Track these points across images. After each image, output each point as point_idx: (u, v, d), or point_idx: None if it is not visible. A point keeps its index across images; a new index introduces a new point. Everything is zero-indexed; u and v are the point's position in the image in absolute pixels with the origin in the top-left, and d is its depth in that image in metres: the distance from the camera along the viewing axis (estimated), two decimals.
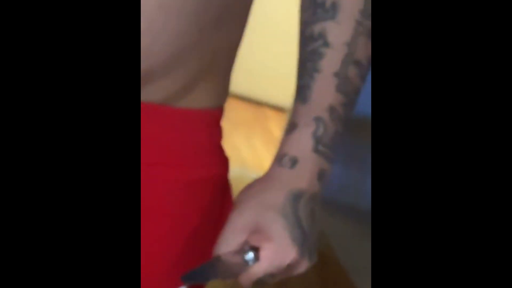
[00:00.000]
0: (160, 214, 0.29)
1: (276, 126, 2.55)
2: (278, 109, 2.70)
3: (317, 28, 0.30)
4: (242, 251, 0.27)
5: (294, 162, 0.29)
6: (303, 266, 0.29)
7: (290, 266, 0.28)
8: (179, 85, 0.29)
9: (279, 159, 0.30)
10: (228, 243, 0.28)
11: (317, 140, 0.29)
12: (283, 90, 2.27)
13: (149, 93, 0.27)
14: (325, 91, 0.30)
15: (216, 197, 0.32)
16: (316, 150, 0.29)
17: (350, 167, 1.92)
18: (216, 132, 0.34)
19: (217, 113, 0.33)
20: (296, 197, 0.28)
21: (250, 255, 0.27)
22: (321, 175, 0.30)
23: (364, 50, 0.31)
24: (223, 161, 0.34)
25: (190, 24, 0.27)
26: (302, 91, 0.30)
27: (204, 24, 0.28)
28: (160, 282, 0.29)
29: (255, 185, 0.30)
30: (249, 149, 2.45)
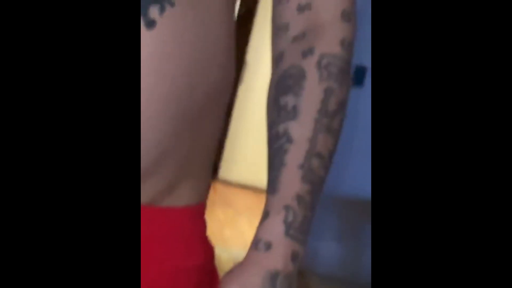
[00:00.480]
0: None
1: None
2: None
3: (281, 127, 0.34)
4: None
5: (268, 246, 0.31)
6: None
7: None
8: (160, 188, 0.32)
9: (255, 244, 0.32)
10: None
11: (288, 225, 0.32)
12: None
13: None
14: (292, 182, 0.33)
15: (204, 283, 0.35)
16: (287, 234, 0.32)
17: (347, 244, 2.23)
18: (200, 224, 0.37)
19: (200, 207, 0.36)
20: (273, 276, 0.31)
21: None
22: (294, 256, 0.32)
23: (324, 144, 0.34)
24: (208, 250, 0.37)
25: (167, 131, 0.30)
26: (272, 184, 0.34)
27: (180, 130, 0.31)
28: None
29: (236, 269, 0.33)
30: (252, 232, 1.71)
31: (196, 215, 0.36)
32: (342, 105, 0.37)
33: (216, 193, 3.58)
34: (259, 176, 3.38)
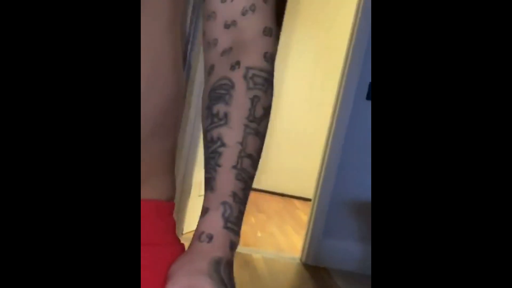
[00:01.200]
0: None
1: (303, 213, 3.13)
2: (303, 199, 3.56)
3: (215, 133, 0.37)
4: None
5: (210, 237, 0.35)
6: None
7: None
8: None
9: (198, 236, 0.35)
10: None
11: (226, 219, 0.35)
12: (307, 184, 3.14)
13: None
14: (227, 181, 0.36)
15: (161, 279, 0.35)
16: (226, 227, 0.35)
17: (367, 243, 2.31)
18: (168, 223, 0.40)
19: (163, 204, 0.39)
20: (216, 263, 0.34)
21: None
22: (232, 245, 0.36)
23: (253, 146, 0.37)
24: (180, 246, 0.40)
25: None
26: (209, 183, 0.37)
27: (143, 136, 0.33)
28: None
29: (182, 259, 0.35)
30: (282, 235, 2.80)
31: (159, 210, 0.38)
32: (267, 111, 0.39)
33: (249, 200, 3.85)
34: (285, 184, 3.86)
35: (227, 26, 0.39)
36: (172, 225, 0.41)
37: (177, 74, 0.38)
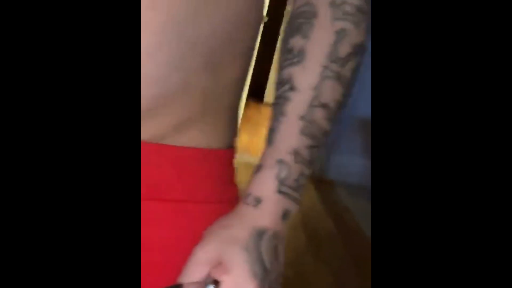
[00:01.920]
0: (181, 233, 0.30)
1: None
2: None
3: (285, 73, 0.30)
4: (203, 283, 0.27)
5: (258, 201, 0.29)
6: None
7: None
8: (167, 126, 0.29)
9: (245, 198, 0.30)
10: (191, 275, 0.28)
11: (280, 182, 0.29)
12: None
13: (153, 135, 0.28)
14: (290, 134, 0.29)
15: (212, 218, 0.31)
16: (279, 191, 0.29)
17: (369, 157, 2.42)
18: (226, 170, 0.34)
19: (224, 152, 0.33)
20: (259, 233, 0.28)
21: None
22: (285, 215, 0.29)
23: (331, 93, 0.30)
24: (236, 192, 0.34)
25: (175, 69, 0.27)
26: (270, 134, 0.30)
27: (190, 69, 0.28)
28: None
29: (223, 221, 0.30)
30: None
31: (218, 158, 0.33)
32: (356, 50, 0.31)
33: (261, 114, 4.13)
34: None
35: None
36: (232, 177, 0.35)
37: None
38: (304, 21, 0.31)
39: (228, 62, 0.31)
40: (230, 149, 0.34)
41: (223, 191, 0.33)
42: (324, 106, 0.30)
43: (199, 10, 0.27)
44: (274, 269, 0.28)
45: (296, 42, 0.31)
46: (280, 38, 0.34)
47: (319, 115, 0.30)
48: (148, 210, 0.28)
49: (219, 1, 0.28)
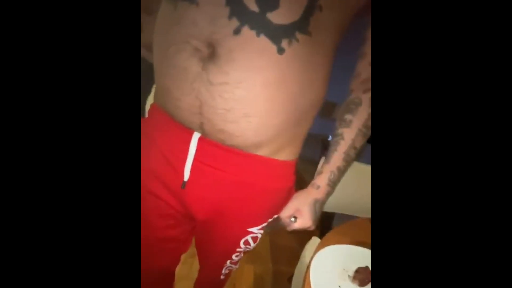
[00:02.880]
0: (269, 194, 0.62)
1: None
2: None
3: (339, 131, 0.61)
4: (290, 216, 0.63)
5: (318, 187, 0.62)
6: (312, 228, 0.65)
7: (307, 227, 0.64)
8: (274, 148, 0.56)
9: (312, 185, 0.63)
10: (285, 213, 0.64)
11: (329, 180, 0.62)
12: None
13: (261, 151, 0.55)
14: (337, 159, 0.61)
15: (289, 194, 0.65)
16: (328, 184, 0.62)
17: None
18: (291, 170, 0.64)
19: (292, 162, 0.63)
20: (316, 201, 0.62)
21: (293, 219, 0.63)
22: (328, 194, 0.63)
23: (359, 142, 0.60)
24: (293, 181, 0.66)
25: (283, 120, 0.52)
26: (327, 157, 0.62)
27: (290, 121, 0.53)
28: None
29: (301, 193, 0.64)
30: None
31: (289, 165, 0.62)
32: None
33: None
34: None
35: (369, 63, 0.58)
36: (293, 173, 0.65)
37: (326, 82, 0.55)
38: (354, 106, 0.59)
39: (305, 120, 0.57)
40: (295, 160, 0.64)
41: (291, 179, 0.65)
42: (355, 148, 0.60)
43: (302, 93, 0.51)
44: (318, 216, 0.63)
45: (348, 116, 0.60)
46: (337, 117, 0.63)
47: (352, 152, 0.60)
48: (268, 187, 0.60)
49: (309, 91, 0.52)
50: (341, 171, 0.62)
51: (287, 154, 0.59)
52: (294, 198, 0.64)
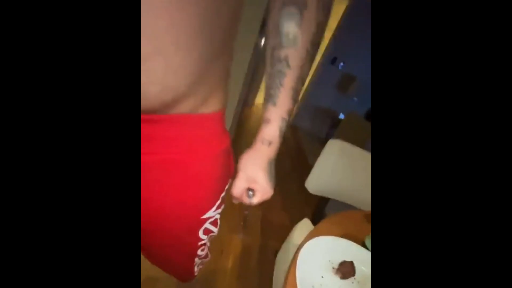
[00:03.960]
0: (206, 170, 0.45)
1: None
2: None
3: (282, 53, 0.40)
4: (247, 191, 0.51)
5: (269, 143, 0.47)
6: (271, 195, 0.51)
7: (267, 198, 0.51)
8: (197, 101, 0.39)
9: (261, 140, 0.47)
10: (238, 188, 0.51)
11: (281, 130, 0.46)
12: None
13: (179, 109, 0.37)
14: (286, 100, 0.44)
15: (229, 158, 0.50)
16: (280, 136, 0.47)
17: None
18: (221, 122, 0.46)
19: (222, 112, 0.46)
20: (270, 162, 0.49)
21: (251, 194, 0.51)
22: (278, 149, 0.49)
23: (308, 70, 0.43)
24: (228, 138, 0.49)
25: (200, 57, 0.34)
26: (273, 98, 0.44)
27: (208, 59, 0.35)
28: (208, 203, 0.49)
29: (249, 156, 0.49)
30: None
31: (219, 118, 0.46)
32: (323, 36, 0.41)
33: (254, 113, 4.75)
34: None
35: None
36: (224, 126, 0.49)
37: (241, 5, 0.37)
38: (296, 11, 0.38)
39: (227, 53, 0.40)
40: (224, 109, 0.47)
41: (226, 135, 0.49)
42: (303, 79, 0.43)
43: (218, 11, 0.33)
44: (274, 178, 0.50)
45: (290, 28, 0.39)
46: (271, 24, 0.41)
47: (300, 86, 0.43)
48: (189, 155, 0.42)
49: (227, 8, 0.34)
50: (290, 113, 0.46)
51: (215, 102, 0.42)
52: (244, 166, 0.49)
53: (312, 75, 4.11)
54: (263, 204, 1.99)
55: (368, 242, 0.67)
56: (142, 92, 0.32)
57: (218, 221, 0.54)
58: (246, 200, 0.51)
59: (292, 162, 2.91)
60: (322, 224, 0.71)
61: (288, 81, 0.42)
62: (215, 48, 0.35)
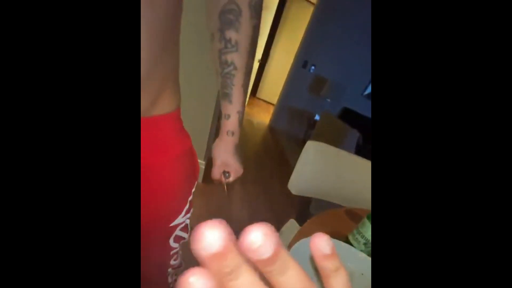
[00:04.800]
0: (168, 174, 0.45)
1: None
2: None
3: (229, 57, 0.47)
4: (223, 173, 0.64)
5: (232, 133, 0.57)
6: (242, 172, 0.63)
7: (239, 175, 0.63)
8: (147, 103, 0.38)
9: (225, 132, 0.57)
10: (216, 172, 0.62)
11: (239, 121, 0.56)
12: None
13: None
14: (239, 95, 0.52)
15: (192, 158, 0.52)
16: (239, 126, 0.56)
17: None
18: (179, 122, 0.47)
19: (176, 113, 0.46)
20: (236, 147, 0.59)
21: (227, 175, 0.63)
22: (239, 136, 0.58)
23: (251, 65, 0.50)
24: (188, 137, 0.51)
25: (146, 54, 0.33)
26: (228, 97, 0.52)
27: (150, 61, 0.35)
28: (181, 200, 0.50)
29: (219, 146, 0.59)
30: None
31: (175, 117, 0.46)
32: (259, 34, 0.49)
33: (255, 105, 5.69)
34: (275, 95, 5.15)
35: None
36: (182, 126, 0.50)
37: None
38: (233, 17, 0.44)
39: (173, 49, 0.41)
40: (179, 109, 0.48)
41: (186, 135, 0.51)
42: (249, 73, 0.51)
43: (159, 8, 0.34)
44: (240, 159, 0.60)
45: (232, 35, 0.45)
46: (213, 28, 0.47)
47: (247, 78, 0.51)
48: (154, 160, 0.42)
49: (167, 4, 0.35)
50: (244, 104, 0.55)
51: (167, 102, 0.43)
52: (217, 154, 0.61)
53: (286, 79, 4.18)
54: (249, 208, 1.99)
55: (352, 237, 0.68)
56: None
57: (189, 226, 0.54)
58: (223, 180, 0.63)
59: (274, 164, 2.93)
60: (308, 225, 0.72)
61: (238, 80, 0.50)
62: (155, 50, 0.35)
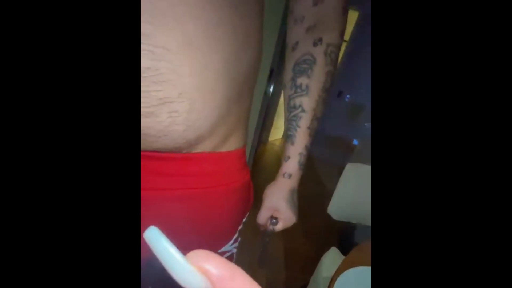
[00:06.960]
0: (226, 203, 0.43)
1: None
2: None
3: (297, 101, 0.47)
4: (270, 219, 0.53)
5: (290, 176, 0.51)
6: (294, 223, 0.53)
7: (291, 224, 0.53)
8: (219, 140, 0.38)
9: (282, 174, 0.51)
10: (262, 217, 0.53)
11: (300, 164, 0.50)
12: None
13: (201, 147, 0.36)
14: (303, 138, 0.49)
15: (249, 191, 0.48)
16: (299, 169, 0.50)
17: None
18: (243, 158, 0.46)
19: (242, 150, 0.46)
20: (292, 192, 0.51)
21: (274, 222, 0.53)
22: (298, 180, 0.52)
23: (321, 110, 0.48)
24: (248, 172, 0.48)
25: (222, 99, 0.34)
26: (291, 138, 0.49)
27: (231, 98, 0.35)
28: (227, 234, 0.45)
29: (272, 187, 0.52)
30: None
31: (241, 154, 0.46)
32: (333, 81, 0.47)
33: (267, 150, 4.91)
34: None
35: (315, 3, 0.42)
36: (245, 162, 0.49)
37: (260, 43, 0.39)
38: (307, 66, 0.44)
39: (248, 95, 0.40)
40: (245, 145, 0.48)
41: (247, 170, 0.48)
42: (317, 118, 0.48)
43: (239, 57, 0.34)
44: (297, 207, 0.52)
45: (303, 81, 0.45)
46: (286, 80, 0.48)
47: (315, 123, 0.48)
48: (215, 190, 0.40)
49: (247, 54, 0.35)
50: (309, 149, 0.50)
51: (236, 141, 0.42)
52: (267, 197, 0.52)
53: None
54: (286, 236, 1.87)
55: None
56: (167, 132, 0.31)
57: (235, 255, 0.50)
58: (269, 227, 0.53)
59: (310, 190, 2.79)
60: (354, 253, 0.62)
61: (303, 122, 0.48)
62: (235, 91, 0.36)
